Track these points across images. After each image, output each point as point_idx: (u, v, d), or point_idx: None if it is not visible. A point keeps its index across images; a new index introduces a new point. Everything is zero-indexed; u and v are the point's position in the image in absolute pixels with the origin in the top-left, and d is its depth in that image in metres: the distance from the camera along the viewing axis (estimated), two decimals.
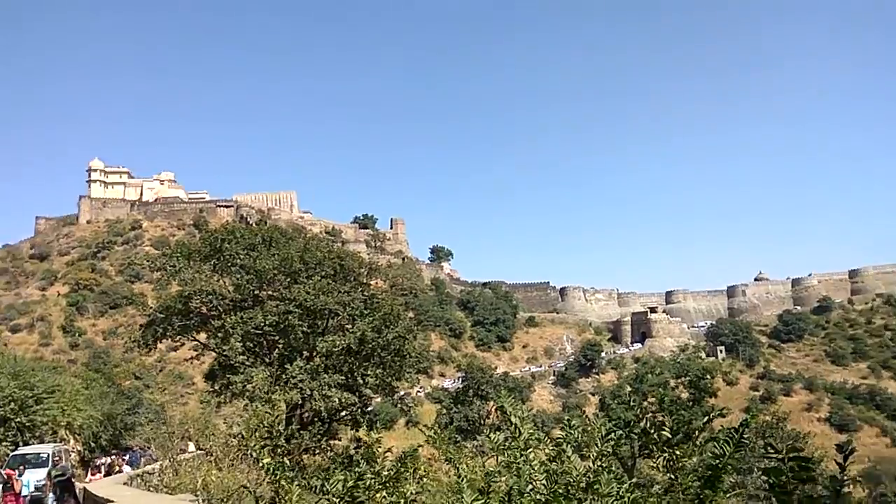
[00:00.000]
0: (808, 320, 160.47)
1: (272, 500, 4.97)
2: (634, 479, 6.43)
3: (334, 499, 4.50)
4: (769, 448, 4.49)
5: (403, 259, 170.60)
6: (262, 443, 6.44)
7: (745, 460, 25.29)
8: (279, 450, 6.64)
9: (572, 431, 5.52)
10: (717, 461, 5.10)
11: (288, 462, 5.59)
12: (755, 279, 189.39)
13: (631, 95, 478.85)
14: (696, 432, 6.63)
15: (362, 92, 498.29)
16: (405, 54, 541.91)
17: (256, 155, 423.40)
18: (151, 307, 35.66)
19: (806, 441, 33.07)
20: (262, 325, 30.44)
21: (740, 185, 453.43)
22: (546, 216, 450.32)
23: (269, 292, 33.08)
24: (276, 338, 31.91)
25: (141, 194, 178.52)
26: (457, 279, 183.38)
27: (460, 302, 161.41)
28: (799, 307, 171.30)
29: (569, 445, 5.25)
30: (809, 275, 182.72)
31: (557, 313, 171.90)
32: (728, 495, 5.03)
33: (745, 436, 5.29)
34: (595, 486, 4.26)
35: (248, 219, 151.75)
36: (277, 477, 4.75)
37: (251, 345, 32.18)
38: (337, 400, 29.52)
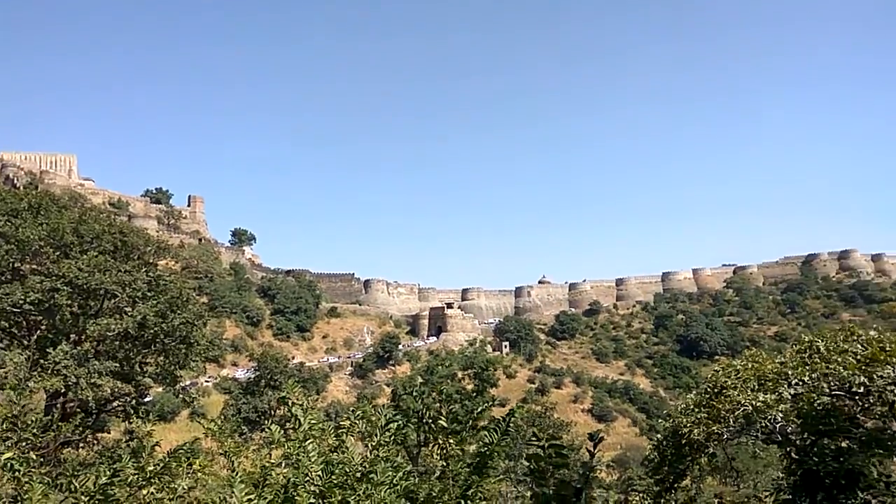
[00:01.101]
0: (580, 321, 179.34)
1: (13, 499, 4.38)
2: (418, 468, 6.66)
3: (83, 497, 4.07)
4: (534, 436, 4.93)
5: (200, 240, 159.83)
6: (3, 435, 5.64)
7: (516, 447, 27.56)
8: (25, 443, 5.85)
9: (356, 422, 5.58)
10: (485, 448, 5.47)
11: (36, 457, 4.98)
12: (539, 282, 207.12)
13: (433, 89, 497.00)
14: (477, 422, 7.06)
15: (158, 48, 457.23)
16: (205, 15, 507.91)
17: (31, 107, 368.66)
18: None
19: (569, 429, 36.83)
20: (22, 302, 26.65)
21: (530, 194, 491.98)
22: (356, 208, 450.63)
23: (34, 266, 29.06)
24: (39, 318, 28.14)
25: None
26: (258, 265, 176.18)
27: (261, 289, 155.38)
28: (574, 309, 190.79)
29: (349, 436, 5.30)
30: (584, 281, 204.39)
31: (360, 305, 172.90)
32: (495, 480, 5.42)
33: (512, 425, 5.74)
34: (371, 476, 4.37)
35: (16, 181, 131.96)
36: (19, 474, 4.20)
37: (7, 325, 28.02)
38: (108, 389, 26.77)
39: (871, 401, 16.98)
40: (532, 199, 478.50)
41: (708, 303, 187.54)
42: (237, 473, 4.66)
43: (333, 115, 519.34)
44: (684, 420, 16.63)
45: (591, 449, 5.49)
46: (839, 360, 17.01)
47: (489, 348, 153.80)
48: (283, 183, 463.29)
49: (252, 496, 4.36)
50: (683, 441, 16.20)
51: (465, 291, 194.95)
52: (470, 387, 41.35)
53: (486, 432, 5.51)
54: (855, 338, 18.24)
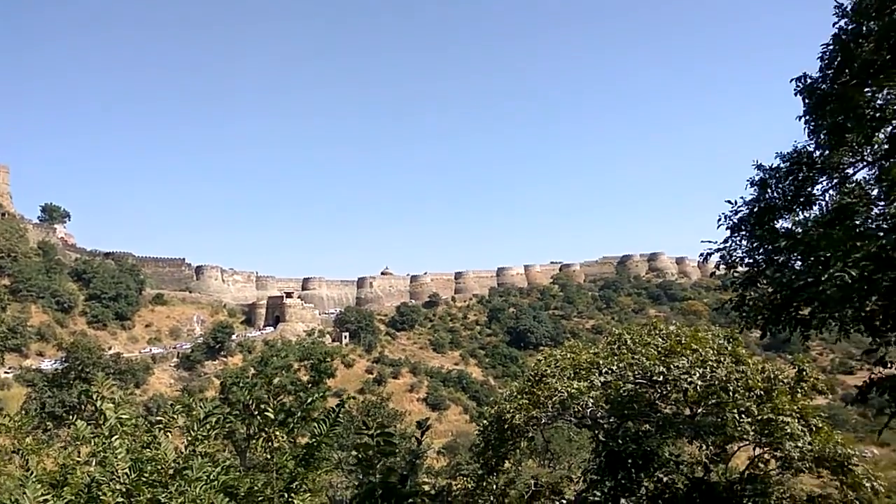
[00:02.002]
0: (420, 312, 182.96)
1: None
2: (246, 462, 6.45)
3: None
4: (364, 426, 4.99)
5: (3, 214, 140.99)
6: None
7: (349, 438, 27.60)
8: None
9: (173, 416, 5.31)
10: (313, 440, 5.45)
11: None
12: (382, 273, 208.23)
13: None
14: (310, 413, 6.99)
15: None
16: None
17: None
18: None
19: (403, 419, 37.55)
20: None
21: (376, 186, 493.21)
22: (191, 191, 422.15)
23: None
24: None
25: None
26: (73, 245, 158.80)
27: (74, 272, 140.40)
28: (414, 300, 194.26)
29: (167, 431, 5.03)
30: (425, 273, 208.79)
31: (191, 292, 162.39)
32: (323, 471, 5.41)
33: (345, 416, 5.76)
34: (185, 472, 4.17)
35: None
36: None
37: None
38: None
39: (669, 388, 19.18)
40: (377, 192, 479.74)
41: (536, 297, 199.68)
42: (32, 473, 4.24)
43: (166, 79, 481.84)
44: (508, 406, 17.70)
45: (419, 437, 5.66)
46: (643, 351, 19.02)
47: (329, 339, 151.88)
48: (107, 156, 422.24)
49: (49, 496, 3.99)
50: (506, 426, 17.24)
51: (306, 281, 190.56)
52: (305, 378, 40.61)
53: (315, 424, 5.49)
54: (657, 332, 20.51)
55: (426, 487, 17.53)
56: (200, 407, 4.87)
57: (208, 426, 4.72)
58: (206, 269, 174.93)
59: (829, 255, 7.06)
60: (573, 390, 16.51)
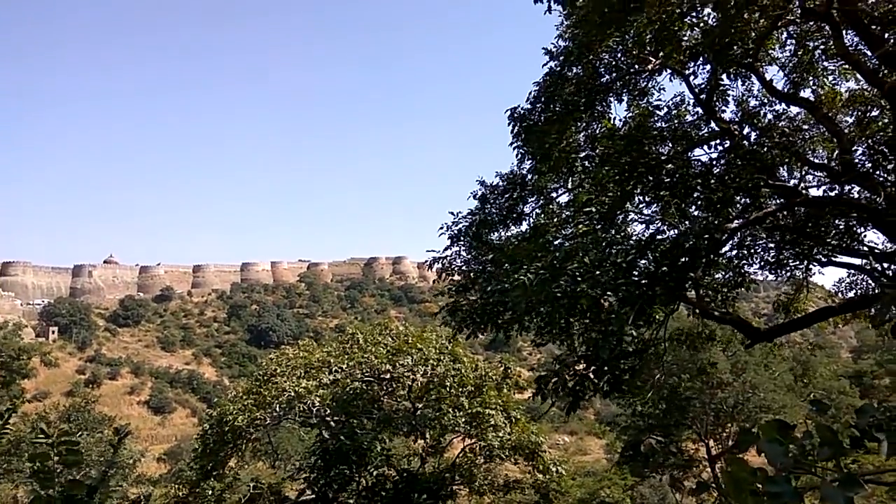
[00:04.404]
0: (149, 307, 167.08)
1: None
2: None
3: None
4: (42, 433, 4.34)
5: None
6: None
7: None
8: None
9: None
10: None
11: None
12: (105, 261, 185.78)
13: None
14: None
15: None
16: None
17: None
18: None
19: (113, 423, 33.85)
20: None
21: (102, 168, 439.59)
22: None
23: None
24: None
25: None
26: None
27: None
28: (143, 294, 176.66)
29: None
30: (158, 264, 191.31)
31: None
32: None
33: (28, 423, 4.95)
34: None
35: None
36: None
37: None
38: None
39: (395, 385, 20.12)
40: (106, 171, 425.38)
41: (282, 295, 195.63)
42: None
43: None
44: (231, 407, 16.99)
45: (115, 444, 5.12)
46: (373, 350, 19.73)
47: (29, 333, 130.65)
48: None
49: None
50: (227, 428, 16.52)
51: (5, 265, 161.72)
52: None
53: None
54: (387, 331, 21.42)
55: (132, 497, 15.97)
56: None
57: None
58: None
59: (520, 265, 8.04)
60: (301, 389, 16.45)
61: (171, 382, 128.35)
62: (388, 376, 19.36)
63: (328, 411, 17.11)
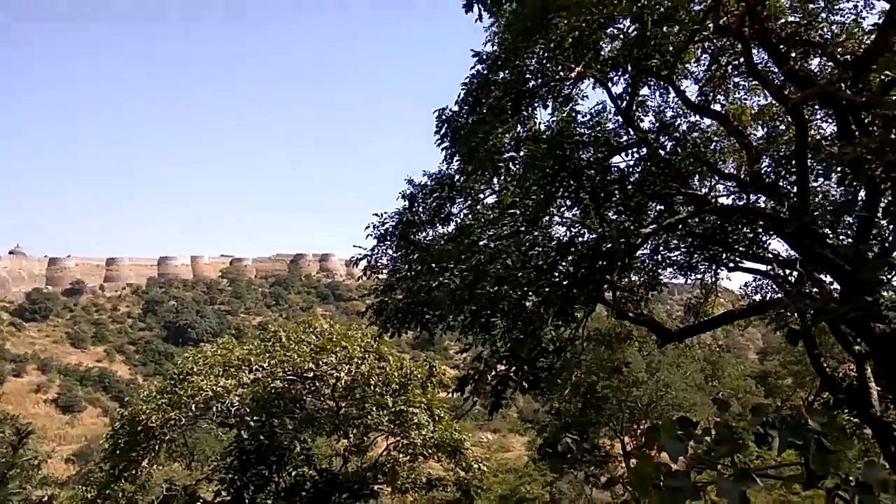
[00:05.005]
0: (58, 301, 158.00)
1: None
2: None
3: None
4: None
5: None
6: None
7: None
8: None
9: None
10: None
11: None
12: (10, 252, 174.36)
13: None
14: None
15: None
16: None
17: None
18: None
19: (14, 423, 31.80)
20: None
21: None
22: None
23: None
24: None
25: None
26: None
27: None
28: (52, 287, 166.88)
29: None
30: (68, 256, 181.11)
31: None
32: None
33: None
34: None
35: None
36: None
37: None
38: None
39: (318, 384, 19.85)
40: (13, 158, 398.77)
41: (202, 291, 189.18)
42: None
43: None
44: (144, 407, 16.31)
45: (16, 444, 4.86)
46: (296, 348, 19.40)
47: None
48: None
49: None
50: (139, 428, 15.86)
51: None
52: None
53: None
54: (311, 329, 21.10)
55: (34, 499, 15.03)
56: None
57: None
58: None
59: (446, 265, 8.11)
60: (219, 388, 15.97)
61: (81, 380, 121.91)
62: (311, 375, 19.08)
63: (248, 411, 16.68)
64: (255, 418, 16.25)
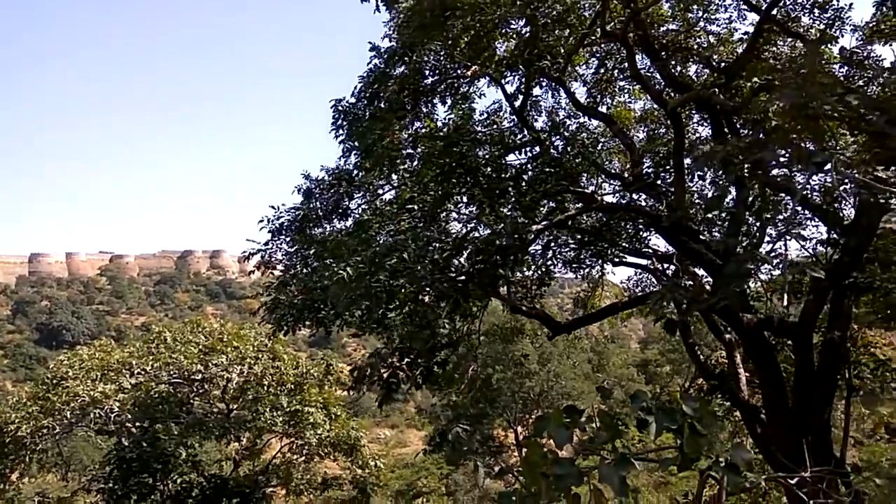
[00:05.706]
0: None
1: None
2: None
3: None
4: None
5: None
6: None
7: None
8: None
9: None
10: None
11: None
12: None
13: None
14: None
15: None
16: None
17: None
18: None
19: None
20: None
21: None
22: None
23: None
24: None
25: None
26: None
27: None
28: None
29: None
30: None
31: None
32: None
33: None
34: None
35: None
36: None
37: None
38: None
39: (207, 386, 19.00)
40: None
41: (78, 290, 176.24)
42: None
43: None
44: (13, 415, 14.95)
45: None
46: (183, 350, 18.46)
47: None
48: None
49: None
50: (8, 439, 14.52)
51: None
52: None
53: None
54: (200, 329, 20.17)
55: None
56: None
57: None
58: None
59: (341, 259, 7.99)
60: (97, 394, 14.90)
61: None
62: (199, 377, 18.24)
63: (129, 417, 15.68)
64: (136, 424, 15.34)
